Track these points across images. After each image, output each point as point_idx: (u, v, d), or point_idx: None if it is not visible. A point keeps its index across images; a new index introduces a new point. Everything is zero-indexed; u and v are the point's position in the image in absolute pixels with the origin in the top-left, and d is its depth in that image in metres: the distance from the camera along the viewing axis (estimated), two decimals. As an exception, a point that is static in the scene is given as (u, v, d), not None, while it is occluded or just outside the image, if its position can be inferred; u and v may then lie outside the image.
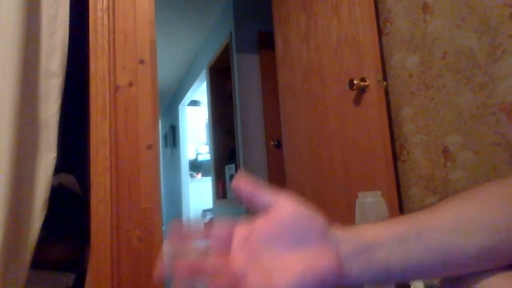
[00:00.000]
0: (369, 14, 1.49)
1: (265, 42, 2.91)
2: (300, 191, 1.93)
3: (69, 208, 1.30)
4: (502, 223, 0.34)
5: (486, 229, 0.34)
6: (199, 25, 3.67)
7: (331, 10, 1.71)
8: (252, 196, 0.35)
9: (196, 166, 5.95)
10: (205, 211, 5.03)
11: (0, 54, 0.98)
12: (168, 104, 6.18)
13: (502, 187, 0.37)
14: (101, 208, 1.06)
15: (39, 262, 1.08)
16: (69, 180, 1.38)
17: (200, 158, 6.05)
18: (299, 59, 1.97)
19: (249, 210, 0.35)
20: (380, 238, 0.34)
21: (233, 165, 3.34)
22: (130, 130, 1.14)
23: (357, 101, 1.54)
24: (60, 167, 1.14)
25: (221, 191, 3.61)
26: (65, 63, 1.11)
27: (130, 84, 1.16)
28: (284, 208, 0.33)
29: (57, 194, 1.14)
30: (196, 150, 6.13)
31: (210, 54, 3.74)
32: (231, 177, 3.41)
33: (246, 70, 3.00)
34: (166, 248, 0.33)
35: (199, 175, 5.90)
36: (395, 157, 1.52)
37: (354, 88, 1.49)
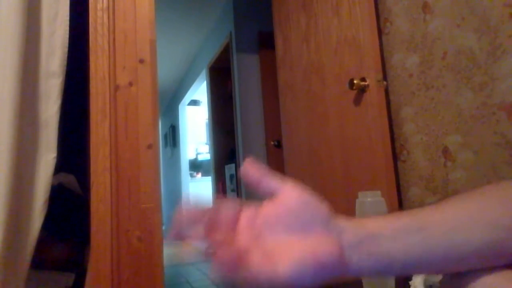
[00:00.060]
0: (369, 14, 1.49)
1: (265, 42, 2.91)
2: (300, 191, 1.92)
3: (69, 208, 1.30)
4: (503, 221, 0.34)
5: (487, 226, 0.34)
6: (199, 25, 3.67)
7: (331, 10, 1.71)
8: (260, 182, 0.35)
9: (196, 166, 5.96)
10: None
11: (0, 54, 0.98)
12: (168, 104, 6.19)
13: (503, 187, 0.37)
14: (101, 208, 1.06)
15: (39, 262, 1.08)
16: (69, 180, 1.38)
17: (200, 158, 6.06)
18: (299, 59, 1.97)
19: (248, 199, 0.35)
20: (382, 230, 0.34)
21: (233, 165, 3.34)
22: (130, 130, 1.14)
23: (357, 101, 1.53)
24: (60, 167, 1.14)
25: (221, 191, 3.61)
26: (65, 63, 1.11)
27: (130, 84, 1.16)
28: (290, 194, 0.34)
29: (57, 194, 1.14)
30: (196, 150, 6.14)
31: (210, 54, 3.74)
32: (231, 177, 3.41)
33: (246, 70, 3.00)
34: (175, 222, 0.34)
35: (199, 175, 5.90)
36: (395, 157, 1.52)
37: (354, 88, 1.49)
